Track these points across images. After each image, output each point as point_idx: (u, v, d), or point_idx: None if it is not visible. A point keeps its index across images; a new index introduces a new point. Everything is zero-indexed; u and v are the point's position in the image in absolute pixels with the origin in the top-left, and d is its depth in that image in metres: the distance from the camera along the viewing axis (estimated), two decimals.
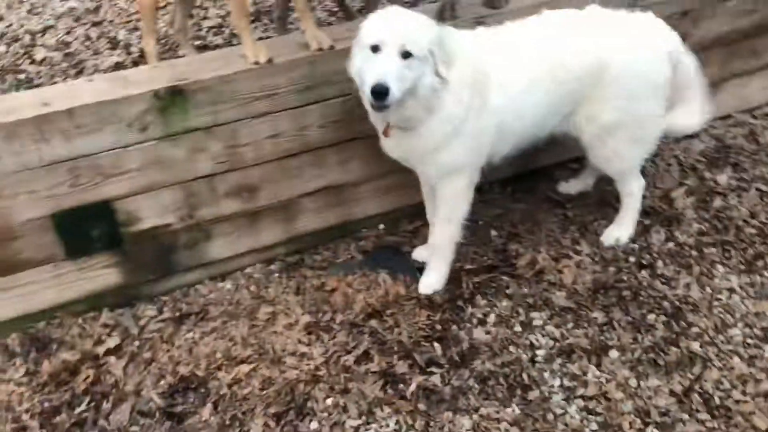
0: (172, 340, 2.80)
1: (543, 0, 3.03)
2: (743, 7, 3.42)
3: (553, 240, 3.10)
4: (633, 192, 3.00)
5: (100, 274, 2.87)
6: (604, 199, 3.27)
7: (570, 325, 2.70)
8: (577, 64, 2.66)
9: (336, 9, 3.47)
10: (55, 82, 3.33)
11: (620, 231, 3.05)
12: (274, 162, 2.92)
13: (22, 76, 3.44)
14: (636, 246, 3.03)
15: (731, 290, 2.79)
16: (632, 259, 2.98)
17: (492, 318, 2.77)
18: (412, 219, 3.25)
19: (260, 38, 2.89)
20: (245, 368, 2.66)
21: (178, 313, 2.91)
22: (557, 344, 2.63)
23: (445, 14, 2.90)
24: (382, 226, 3.26)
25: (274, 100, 2.81)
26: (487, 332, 2.71)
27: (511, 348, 2.64)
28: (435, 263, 2.92)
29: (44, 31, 3.81)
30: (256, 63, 2.70)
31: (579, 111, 2.79)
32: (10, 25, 3.88)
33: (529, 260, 3.00)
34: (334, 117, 2.91)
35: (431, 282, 2.91)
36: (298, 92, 2.82)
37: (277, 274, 3.07)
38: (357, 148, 3.04)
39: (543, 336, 2.68)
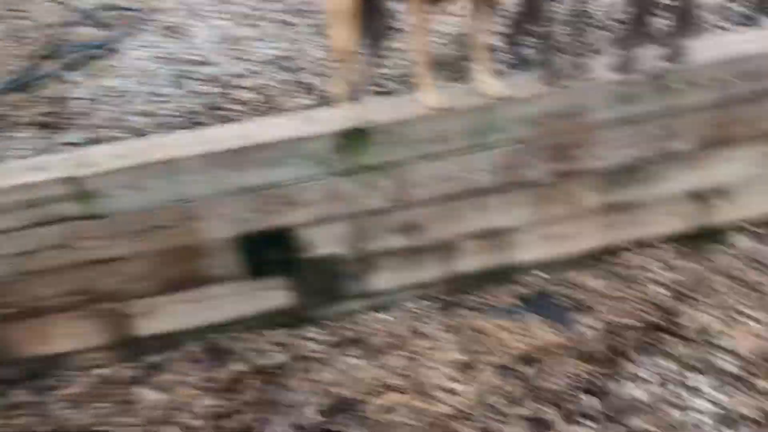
0: (332, 363, 2.98)
1: None
2: None
3: (725, 303, 2.94)
4: None
5: (275, 295, 3.13)
6: None
7: (736, 393, 2.55)
8: None
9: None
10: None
11: None
12: (440, 202, 3.05)
13: (225, 113, 3.86)
14: None
15: None
16: None
17: (651, 376, 2.68)
18: (574, 269, 3.23)
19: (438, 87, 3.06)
20: (398, 397, 2.77)
21: (340, 338, 3.09)
22: (720, 411, 2.50)
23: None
24: (542, 274, 3.26)
25: (446, 144, 2.95)
26: (645, 390, 2.63)
27: (670, 409, 2.54)
28: None
29: (246, 75, 4.25)
30: (431, 108, 2.87)
31: None
32: (219, 64, 4.39)
33: (697, 322, 2.88)
34: (501, 163, 3.00)
35: None
36: (468, 137, 2.94)
37: (434, 311, 3.17)
38: (522, 195, 3.09)
39: (705, 401, 2.55)
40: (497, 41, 3.85)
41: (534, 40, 3.10)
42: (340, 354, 3.02)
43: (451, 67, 3.50)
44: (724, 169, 3.18)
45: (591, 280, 3.19)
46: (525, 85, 2.97)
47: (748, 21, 3.54)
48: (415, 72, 2.99)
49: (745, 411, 2.49)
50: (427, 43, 2.97)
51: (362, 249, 3.10)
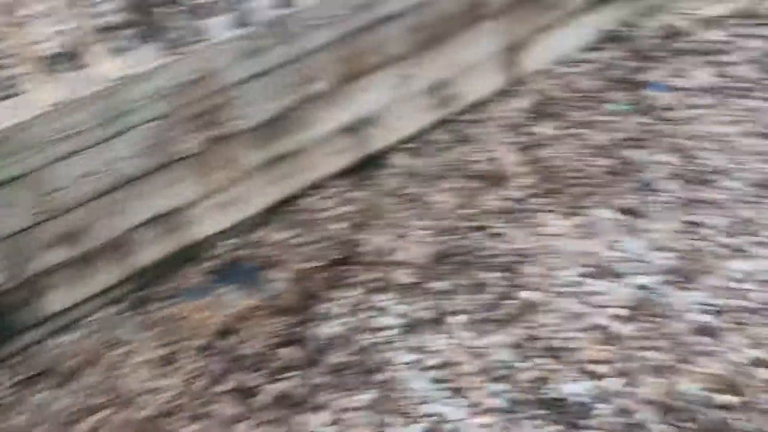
0: (23, 404, 2.68)
1: None
2: None
3: (393, 221, 3.15)
4: None
5: None
6: (437, 173, 3.37)
7: (414, 300, 2.76)
8: None
9: None
10: None
11: None
12: (95, 201, 2.84)
13: None
14: (470, 210, 3.13)
15: (559, 234, 2.91)
16: (468, 223, 3.07)
17: (341, 310, 2.80)
18: (258, 228, 3.24)
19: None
20: (101, 416, 2.58)
21: (25, 375, 2.79)
22: (404, 321, 2.68)
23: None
24: (229, 242, 3.22)
25: (80, 139, 2.73)
26: (338, 324, 2.73)
27: (361, 335, 2.67)
28: None
29: None
30: (48, 104, 2.62)
31: None
32: None
33: (372, 245, 3.05)
34: (146, 144, 2.86)
35: None
36: (102, 126, 2.75)
37: (126, 314, 2.99)
38: (181, 171, 2.99)
39: (390, 316, 2.72)
40: (118, 18, 3.64)
41: (152, 10, 2.96)
42: (30, 392, 2.73)
43: (68, 55, 3.24)
44: (367, 98, 3.36)
45: (276, 234, 3.23)
46: (148, 58, 2.84)
47: None
48: (23, 68, 2.71)
49: (424, 314, 2.70)
50: (29, 35, 2.70)
51: (23, 273, 2.79)
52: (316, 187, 3.38)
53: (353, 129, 3.39)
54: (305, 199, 3.35)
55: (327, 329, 2.73)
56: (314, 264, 3.02)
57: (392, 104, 3.45)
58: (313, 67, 3.13)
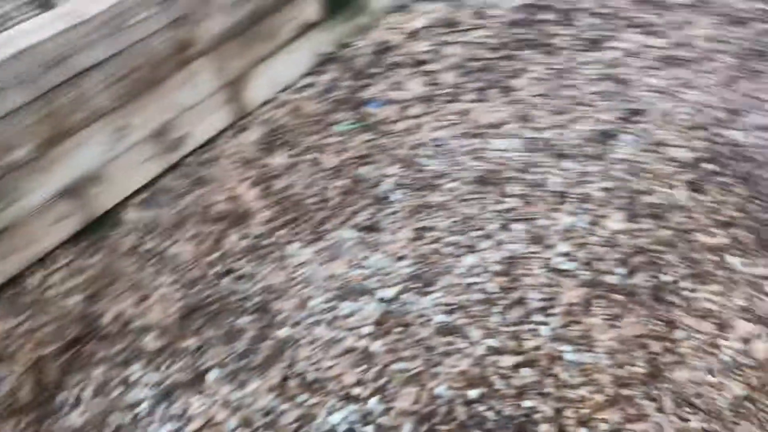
0: None
1: None
2: (234, 0, 3.55)
3: (133, 283, 2.95)
4: None
5: None
6: (176, 222, 3.22)
7: (166, 364, 2.60)
8: None
9: None
10: None
11: None
12: None
13: None
14: (215, 255, 3.02)
15: (305, 263, 2.91)
16: (214, 270, 2.96)
17: (87, 393, 2.55)
18: None
19: None
20: None
21: None
22: (158, 390, 2.51)
23: None
24: None
25: None
26: (84, 411, 2.49)
27: (112, 417, 2.45)
28: None
29: None
30: None
31: None
32: None
33: (113, 315, 2.82)
34: None
35: None
36: None
37: None
38: None
39: (142, 388, 2.53)
40: None
41: None
42: None
43: None
44: (81, 157, 3.11)
45: (1, 324, 2.87)
46: None
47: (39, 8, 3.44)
48: None
49: (179, 378, 2.55)
50: None
51: None
52: (42, 261, 3.07)
53: (73, 192, 3.12)
54: (31, 278, 3.02)
55: (73, 419, 2.47)
56: (50, 349, 2.73)
57: (113, 158, 3.23)
58: (9, 133, 2.82)
